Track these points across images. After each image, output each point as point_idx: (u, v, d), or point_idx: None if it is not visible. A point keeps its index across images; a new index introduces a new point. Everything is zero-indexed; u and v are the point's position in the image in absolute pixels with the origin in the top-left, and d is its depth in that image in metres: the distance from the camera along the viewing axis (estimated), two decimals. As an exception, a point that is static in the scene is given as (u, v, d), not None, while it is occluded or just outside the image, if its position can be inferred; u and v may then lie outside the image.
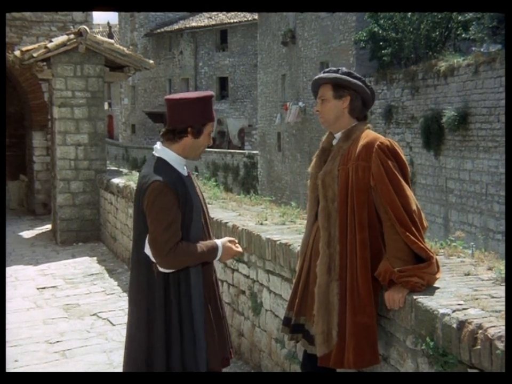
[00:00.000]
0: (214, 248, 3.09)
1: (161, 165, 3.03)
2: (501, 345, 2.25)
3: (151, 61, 11.23)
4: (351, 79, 3.10)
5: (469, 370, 2.44)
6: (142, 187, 3.02)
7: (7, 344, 5.21)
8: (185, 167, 3.15)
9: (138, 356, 3.07)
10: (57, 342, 5.58)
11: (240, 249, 3.23)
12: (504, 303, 2.56)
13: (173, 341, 3.00)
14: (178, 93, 3.36)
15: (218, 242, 3.13)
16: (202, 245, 3.04)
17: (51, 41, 10.14)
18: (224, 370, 3.26)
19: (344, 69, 3.16)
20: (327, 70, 3.22)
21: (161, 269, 2.99)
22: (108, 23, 45.21)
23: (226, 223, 4.92)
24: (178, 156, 3.08)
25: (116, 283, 7.62)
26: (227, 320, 3.32)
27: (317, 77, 3.20)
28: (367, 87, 3.13)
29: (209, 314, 3.09)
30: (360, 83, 3.11)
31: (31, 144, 13.56)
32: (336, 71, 3.15)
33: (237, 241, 3.27)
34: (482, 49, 14.43)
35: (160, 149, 3.09)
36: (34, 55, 9.89)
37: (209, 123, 3.09)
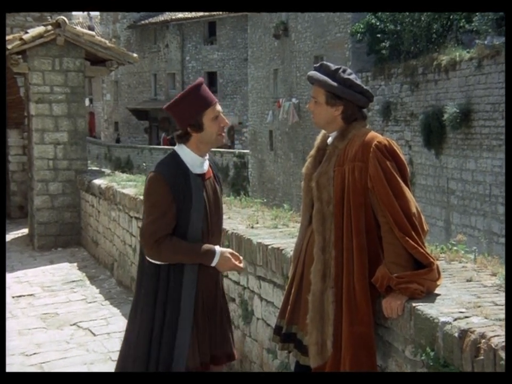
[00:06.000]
0: (210, 252, 3.20)
1: (171, 157, 3.24)
2: (505, 355, 2.26)
3: (135, 55, 11.21)
4: (346, 89, 3.03)
5: (472, 382, 2.45)
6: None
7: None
8: (205, 166, 3.30)
9: (125, 342, 3.31)
10: (34, 354, 5.56)
11: (240, 265, 3.33)
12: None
13: (154, 329, 3.17)
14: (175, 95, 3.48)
15: (218, 249, 3.22)
16: (195, 246, 3.18)
17: (27, 33, 10.09)
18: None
19: (341, 73, 3.06)
20: (324, 66, 3.13)
21: (148, 259, 3.19)
22: (88, 13, 45.06)
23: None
24: (194, 154, 3.24)
25: (97, 290, 7.60)
26: (227, 329, 3.41)
27: (311, 73, 3.14)
28: (365, 94, 3.07)
29: (197, 317, 3.19)
30: (356, 93, 3.04)
31: (6, 142, 13.50)
32: (334, 73, 3.06)
33: (241, 257, 3.36)
34: (486, 42, 14.45)
35: (177, 146, 3.28)
36: (9, 47, 9.83)
37: (205, 111, 3.20)
